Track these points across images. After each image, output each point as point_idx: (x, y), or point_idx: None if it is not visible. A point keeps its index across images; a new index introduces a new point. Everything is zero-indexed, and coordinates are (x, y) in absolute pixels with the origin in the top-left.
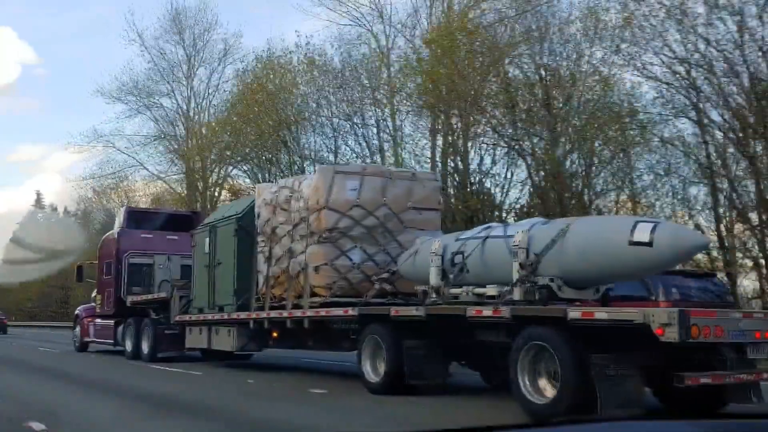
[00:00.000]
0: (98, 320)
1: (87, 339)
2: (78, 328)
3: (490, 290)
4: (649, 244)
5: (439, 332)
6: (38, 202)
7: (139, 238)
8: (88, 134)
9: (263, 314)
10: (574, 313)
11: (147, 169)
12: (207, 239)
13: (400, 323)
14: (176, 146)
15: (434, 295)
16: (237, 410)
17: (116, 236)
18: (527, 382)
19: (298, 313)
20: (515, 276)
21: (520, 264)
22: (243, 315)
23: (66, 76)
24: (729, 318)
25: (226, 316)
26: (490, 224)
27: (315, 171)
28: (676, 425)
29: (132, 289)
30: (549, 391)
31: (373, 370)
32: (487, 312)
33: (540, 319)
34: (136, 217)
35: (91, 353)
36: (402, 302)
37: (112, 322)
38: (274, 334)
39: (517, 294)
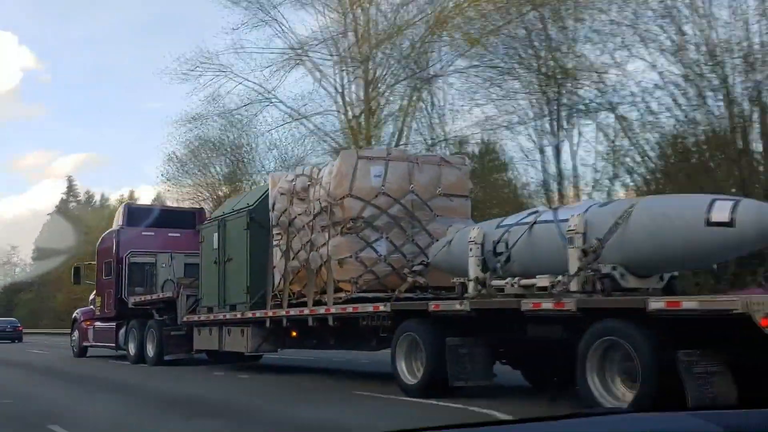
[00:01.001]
0: (98, 323)
1: (86, 343)
2: (76, 333)
3: (542, 281)
4: (730, 223)
5: (483, 328)
6: (70, 190)
7: (139, 236)
8: (193, 58)
9: (281, 312)
10: (656, 304)
11: (283, 104)
12: (216, 234)
13: (440, 319)
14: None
15: (478, 288)
16: (282, 411)
17: (115, 234)
18: (597, 383)
19: (321, 310)
20: (573, 264)
21: (583, 251)
22: (259, 313)
23: (69, 82)
24: None
25: (239, 315)
26: (536, 208)
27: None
28: (684, 417)
29: (134, 289)
30: (624, 392)
31: (409, 371)
32: (547, 305)
33: (613, 312)
34: (136, 215)
35: (90, 358)
36: (441, 296)
37: (113, 325)
38: (293, 334)
39: (574, 284)
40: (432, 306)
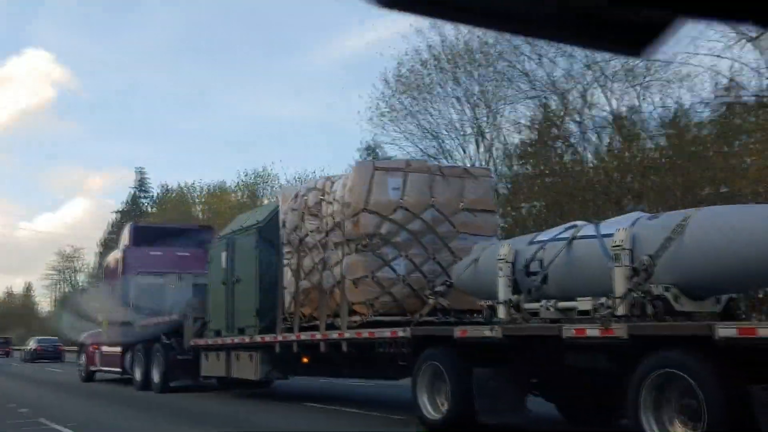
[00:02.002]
0: (104, 347)
1: (93, 368)
2: (83, 356)
3: (583, 303)
4: None
5: (515, 357)
6: (141, 184)
7: (147, 255)
8: None
9: (292, 337)
10: (725, 331)
11: None
12: (224, 253)
13: (467, 347)
14: None
15: (511, 312)
16: None
17: (121, 255)
18: (652, 422)
19: (334, 334)
20: (619, 285)
21: (633, 269)
22: (268, 338)
23: (104, 99)
24: None
25: (247, 340)
26: (574, 223)
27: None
28: None
29: (142, 311)
30: None
31: (432, 404)
32: (592, 331)
33: (673, 340)
34: (143, 234)
35: (97, 383)
36: (467, 321)
37: (119, 349)
38: (304, 360)
39: (622, 308)
40: (458, 332)
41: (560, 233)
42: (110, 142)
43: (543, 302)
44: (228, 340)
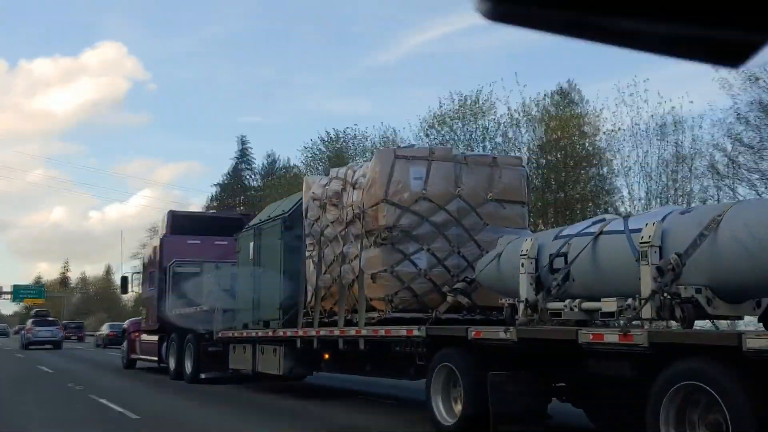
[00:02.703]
0: (144, 335)
1: (134, 356)
2: (125, 344)
3: (608, 305)
4: None
5: (535, 361)
6: (243, 154)
7: (185, 244)
8: None
9: (312, 332)
10: (756, 341)
11: None
12: (251, 244)
13: (482, 349)
14: None
15: (528, 312)
16: None
17: (159, 243)
18: None
19: (351, 331)
20: (646, 285)
21: (658, 269)
22: (290, 332)
23: (172, 93)
24: None
25: (270, 333)
26: (603, 216)
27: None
28: None
29: (177, 301)
30: None
31: (446, 409)
32: (611, 337)
33: (697, 349)
34: (181, 222)
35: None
36: (489, 320)
37: (156, 338)
38: (326, 356)
39: (648, 310)
40: (473, 333)
41: (587, 227)
42: (177, 134)
43: (567, 302)
44: (253, 333)
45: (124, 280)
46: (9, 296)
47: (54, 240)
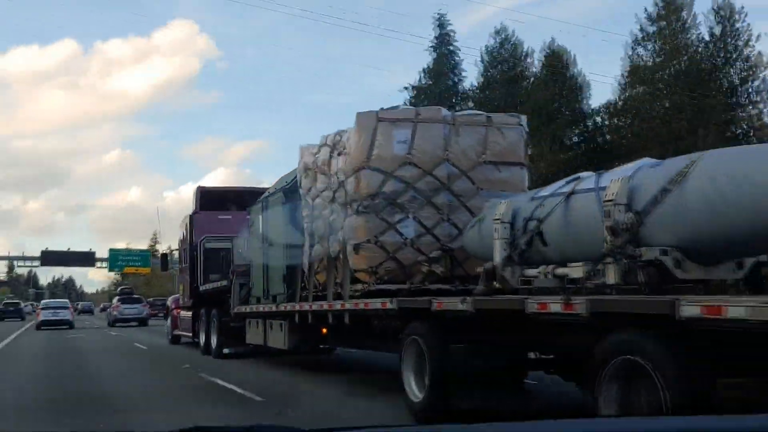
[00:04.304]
0: (182, 312)
1: (176, 331)
2: (169, 320)
3: (575, 270)
4: None
5: (503, 332)
6: (442, 40)
7: (216, 220)
8: None
9: (306, 306)
10: (690, 309)
11: None
12: (260, 217)
13: (446, 321)
14: None
15: (485, 281)
16: None
17: (189, 220)
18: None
19: (337, 305)
20: (606, 248)
21: (611, 229)
22: (289, 306)
23: (243, 71)
24: None
25: (274, 308)
26: (578, 174)
27: None
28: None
29: (209, 276)
30: None
31: (417, 383)
32: (555, 307)
33: (633, 319)
34: (210, 198)
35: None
36: (454, 290)
37: (190, 313)
38: (324, 330)
39: (611, 275)
40: (435, 304)
41: (561, 187)
42: (247, 112)
43: (541, 269)
44: (263, 308)
45: (164, 257)
46: (103, 264)
47: (131, 220)
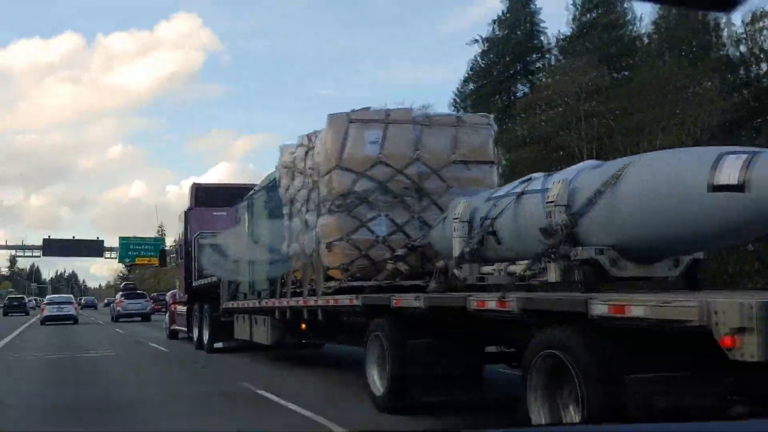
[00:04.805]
0: (179, 307)
1: (174, 326)
2: (168, 315)
3: (521, 268)
4: (741, 187)
5: (458, 327)
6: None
7: (210, 216)
8: None
9: (285, 302)
10: (599, 308)
11: None
12: (246, 214)
13: (405, 317)
14: None
15: (438, 278)
16: None
17: (184, 216)
18: (542, 413)
19: (311, 301)
20: (541, 248)
21: (544, 230)
22: (270, 303)
23: (246, 65)
24: None
25: (257, 304)
26: (531, 175)
27: None
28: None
29: (204, 272)
30: None
31: (380, 378)
32: (491, 304)
33: (556, 316)
34: (205, 194)
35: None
36: (424, 286)
37: (185, 308)
38: (303, 326)
39: (552, 273)
40: (394, 301)
41: (514, 187)
42: (251, 106)
43: (495, 266)
44: (249, 304)
45: (163, 253)
46: (113, 254)
47: (135, 215)
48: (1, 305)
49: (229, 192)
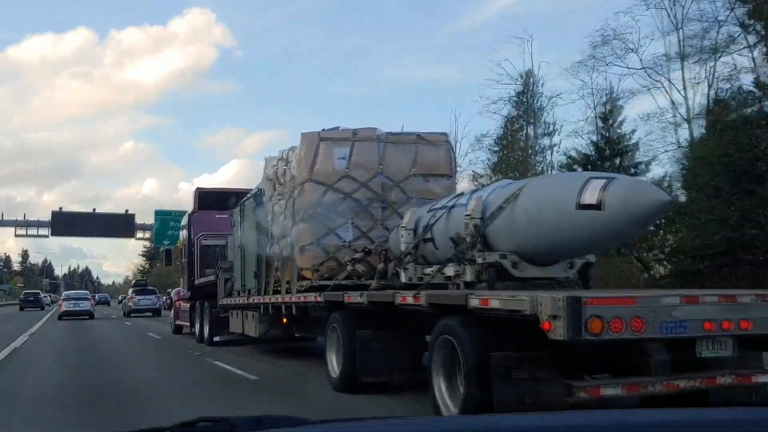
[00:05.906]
0: (182, 303)
1: (178, 322)
2: (172, 311)
3: (449, 270)
4: (598, 206)
5: (398, 319)
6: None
7: (212, 219)
8: None
9: (267, 299)
10: (473, 301)
11: None
12: (239, 218)
13: (355, 311)
14: None
15: (378, 279)
16: None
17: (188, 219)
18: (443, 388)
19: (287, 298)
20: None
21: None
22: (255, 299)
23: (259, 62)
24: (658, 306)
25: (245, 300)
26: (461, 192)
27: None
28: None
29: (205, 271)
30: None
31: (336, 363)
32: (410, 299)
33: (450, 309)
34: (207, 198)
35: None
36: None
37: (188, 305)
38: (284, 320)
39: (469, 274)
40: (346, 297)
41: (448, 201)
42: (264, 103)
43: (434, 268)
44: (240, 300)
45: (168, 252)
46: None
47: (147, 212)
48: (18, 301)
49: (229, 196)
